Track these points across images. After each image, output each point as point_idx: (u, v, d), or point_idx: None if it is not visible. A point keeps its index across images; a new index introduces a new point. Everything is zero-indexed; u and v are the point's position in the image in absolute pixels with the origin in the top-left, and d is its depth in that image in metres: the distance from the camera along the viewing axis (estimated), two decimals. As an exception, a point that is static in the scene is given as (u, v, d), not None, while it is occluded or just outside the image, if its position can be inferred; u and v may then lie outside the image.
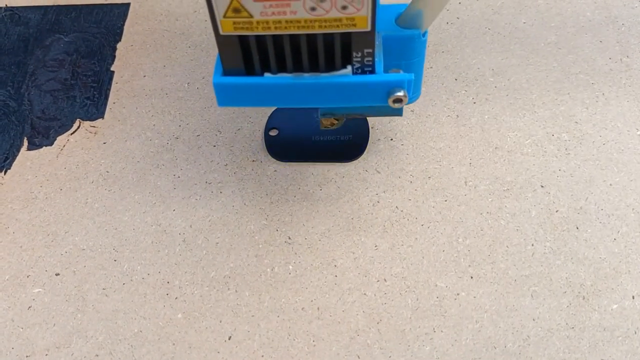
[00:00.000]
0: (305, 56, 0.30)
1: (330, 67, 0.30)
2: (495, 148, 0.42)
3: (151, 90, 0.47)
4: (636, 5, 0.49)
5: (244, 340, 0.36)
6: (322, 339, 0.36)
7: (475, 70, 0.46)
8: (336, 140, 0.43)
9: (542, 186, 0.40)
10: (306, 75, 0.30)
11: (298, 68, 0.30)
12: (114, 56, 0.50)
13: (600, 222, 0.39)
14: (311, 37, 0.29)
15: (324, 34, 0.29)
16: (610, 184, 0.40)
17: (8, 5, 0.54)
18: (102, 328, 0.37)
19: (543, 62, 0.46)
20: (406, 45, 0.33)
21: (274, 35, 0.29)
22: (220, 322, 0.37)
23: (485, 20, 0.49)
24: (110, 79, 0.48)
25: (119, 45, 0.50)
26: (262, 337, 0.36)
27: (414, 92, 0.37)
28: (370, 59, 0.30)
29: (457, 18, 0.49)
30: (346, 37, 0.29)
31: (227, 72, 0.31)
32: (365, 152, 0.43)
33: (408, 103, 0.35)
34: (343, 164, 0.42)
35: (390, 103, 0.31)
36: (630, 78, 0.45)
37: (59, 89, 0.48)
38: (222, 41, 0.29)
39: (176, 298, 0.38)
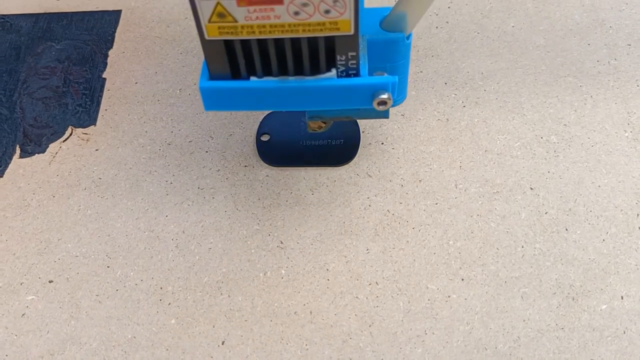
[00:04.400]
0: (290, 60, 0.30)
1: (315, 70, 0.31)
2: (485, 151, 0.43)
3: (143, 97, 0.47)
4: (623, 8, 0.50)
5: (237, 345, 0.36)
6: (315, 343, 0.36)
7: (464, 74, 0.47)
8: (327, 145, 0.43)
9: (531, 188, 0.41)
10: (291, 78, 0.31)
11: (283, 72, 0.31)
12: (106, 63, 0.50)
13: (589, 224, 0.39)
14: (295, 41, 0.29)
15: (308, 38, 0.29)
16: (599, 186, 0.41)
17: (-1, 13, 0.54)
18: (96, 334, 0.37)
19: (532, 65, 0.47)
20: (390, 48, 0.33)
21: (258, 40, 0.29)
22: (214, 327, 0.37)
23: (475, 24, 0.50)
24: (102, 86, 0.48)
25: (110, 52, 0.50)
26: (255, 341, 0.36)
27: (398, 95, 0.37)
28: (354, 62, 0.30)
29: (447, 22, 0.50)
30: (330, 41, 0.29)
31: (213, 76, 0.31)
32: (356, 156, 0.43)
33: (393, 105, 0.35)
34: (334, 168, 0.43)
35: (375, 105, 0.31)
36: (618, 80, 0.45)
37: (50, 97, 0.48)
38: (208, 46, 0.29)
39: (169, 304, 0.38)
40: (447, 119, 0.44)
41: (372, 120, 0.44)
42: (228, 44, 0.29)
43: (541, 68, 0.47)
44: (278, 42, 0.29)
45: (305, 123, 0.44)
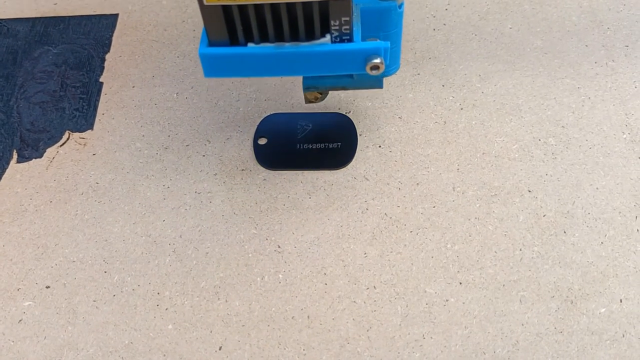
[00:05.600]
0: (285, 25, 0.31)
1: (310, 36, 0.32)
2: (483, 154, 0.43)
3: (140, 101, 0.47)
4: (621, 10, 0.49)
5: (234, 350, 0.36)
6: (313, 348, 0.36)
7: (462, 76, 0.46)
8: (325, 148, 0.43)
9: (529, 191, 0.41)
10: (287, 44, 0.31)
11: (280, 38, 0.32)
12: (103, 67, 0.50)
13: (588, 226, 0.39)
14: (291, 6, 0.30)
15: (303, 3, 0.30)
16: (597, 188, 0.40)
17: (-4, 18, 0.54)
18: (93, 340, 0.37)
19: (529, 67, 0.47)
20: (383, 17, 0.34)
21: (255, 5, 0.30)
22: (211, 332, 0.37)
23: (472, 26, 0.50)
24: (99, 90, 0.48)
25: (107, 56, 0.50)
26: (252, 346, 0.36)
27: (392, 63, 0.38)
28: (347, 27, 0.31)
29: (444, 24, 0.50)
30: (324, 6, 0.30)
31: (212, 42, 0.32)
32: (353, 160, 0.43)
33: (387, 75, 0.36)
34: (332, 171, 0.43)
35: (367, 70, 0.32)
36: (615, 82, 0.45)
37: (47, 101, 0.48)
38: (207, 12, 0.30)
39: (166, 309, 0.38)
40: (445, 122, 0.44)
41: (370, 123, 0.44)
42: (226, 9, 0.30)
43: (539, 70, 0.46)
44: (274, 7, 0.30)
45: (302, 126, 0.44)
